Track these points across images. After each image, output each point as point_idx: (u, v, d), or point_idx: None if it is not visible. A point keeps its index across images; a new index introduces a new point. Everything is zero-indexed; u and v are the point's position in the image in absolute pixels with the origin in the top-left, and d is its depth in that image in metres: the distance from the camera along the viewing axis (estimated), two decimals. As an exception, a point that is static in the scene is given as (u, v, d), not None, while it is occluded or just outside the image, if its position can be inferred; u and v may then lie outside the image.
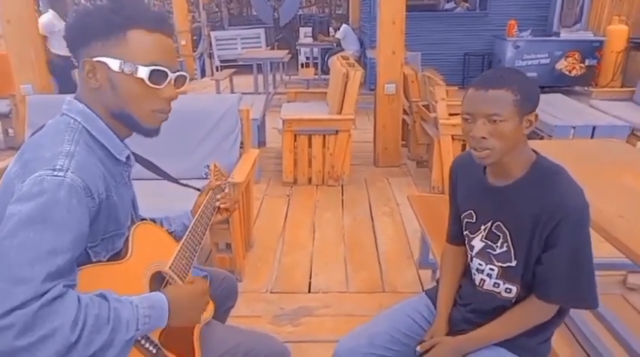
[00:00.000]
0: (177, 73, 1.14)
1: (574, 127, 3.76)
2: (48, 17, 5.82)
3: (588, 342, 2.15)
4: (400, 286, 2.80)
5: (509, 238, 1.33)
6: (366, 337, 1.52)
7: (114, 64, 1.07)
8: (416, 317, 1.54)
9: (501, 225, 1.34)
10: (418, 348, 1.44)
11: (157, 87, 1.11)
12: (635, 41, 7.44)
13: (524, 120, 1.25)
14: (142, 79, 1.08)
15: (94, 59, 1.07)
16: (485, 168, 1.39)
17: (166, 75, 1.11)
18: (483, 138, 1.24)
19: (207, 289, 1.23)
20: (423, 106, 4.58)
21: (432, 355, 1.40)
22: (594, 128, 3.78)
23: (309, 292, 2.77)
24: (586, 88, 7.46)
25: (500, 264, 1.36)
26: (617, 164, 2.25)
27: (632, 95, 4.93)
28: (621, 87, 7.12)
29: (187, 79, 1.19)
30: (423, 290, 1.66)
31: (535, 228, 1.25)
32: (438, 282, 1.62)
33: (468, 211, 1.44)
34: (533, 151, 1.34)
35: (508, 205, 1.32)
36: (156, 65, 1.09)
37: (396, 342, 1.51)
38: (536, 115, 1.27)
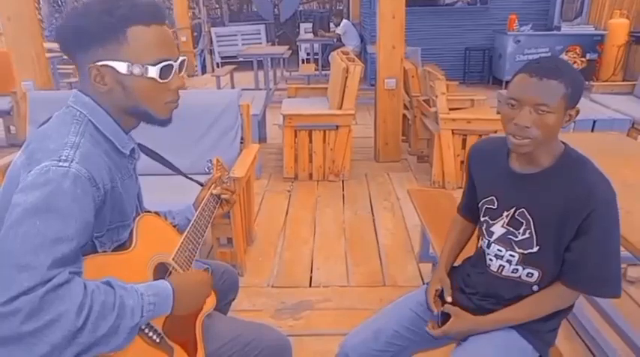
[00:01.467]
0: (179, 60, 1.15)
1: (574, 121, 3.75)
2: None
3: (588, 334, 2.16)
4: (401, 280, 2.82)
5: (532, 224, 1.33)
6: (372, 332, 1.53)
7: (121, 67, 1.07)
8: (419, 310, 1.55)
9: (525, 212, 1.34)
10: (429, 325, 1.44)
11: (167, 81, 1.12)
12: (636, 35, 7.42)
13: (567, 114, 1.25)
14: (153, 78, 1.10)
15: (99, 64, 1.07)
16: (509, 154, 1.39)
17: (172, 67, 1.13)
18: (527, 127, 1.22)
19: (211, 279, 1.25)
20: (423, 100, 4.58)
21: (448, 326, 1.40)
22: (595, 122, 3.79)
23: (310, 286, 2.79)
24: (587, 82, 7.41)
25: (521, 250, 1.36)
26: (617, 157, 2.26)
27: (632, 89, 4.93)
28: (622, 81, 7.11)
29: (186, 62, 1.20)
30: (424, 283, 1.67)
31: (565, 217, 1.26)
32: None
33: (490, 198, 1.44)
34: (562, 142, 1.34)
35: (535, 192, 1.32)
36: (163, 61, 1.10)
37: (400, 337, 1.52)
38: (578, 110, 1.27)
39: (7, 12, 4.25)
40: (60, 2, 13.14)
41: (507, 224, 1.39)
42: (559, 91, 1.20)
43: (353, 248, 3.20)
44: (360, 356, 1.51)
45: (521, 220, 1.35)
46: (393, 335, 1.51)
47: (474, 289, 1.48)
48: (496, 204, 1.42)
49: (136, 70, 1.08)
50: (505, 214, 1.39)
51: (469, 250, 1.61)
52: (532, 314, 1.36)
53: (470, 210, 1.59)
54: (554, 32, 7.74)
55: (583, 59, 7.61)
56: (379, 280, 2.82)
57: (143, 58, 1.08)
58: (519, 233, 1.36)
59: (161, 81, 1.11)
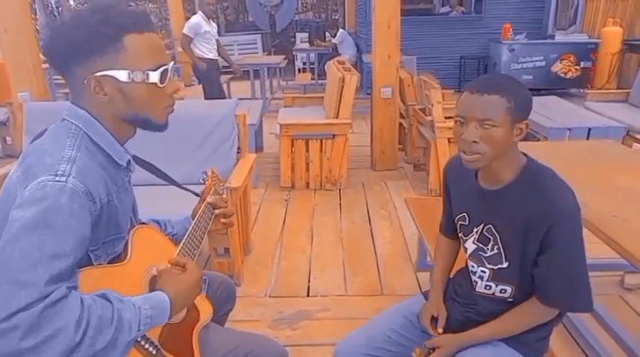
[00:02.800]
0: (171, 64, 1.17)
1: (569, 129, 3.77)
2: (197, 19, 5.81)
3: (586, 342, 2.16)
4: (399, 288, 2.81)
5: (499, 240, 1.34)
6: (364, 338, 1.53)
7: (121, 75, 1.08)
8: (413, 318, 1.55)
9: (492, 228, 1.36)
10: (417, 350, 1.45)
11: (164, 85, 1.14)
12: (629, 43, 7.48)
13: (516, 128, 1.25)
14: (154, 83, 1.12)
15: (99, 74, 1.07)
16: (477, 172, 1.40)
17: (168, 71, 1.15)
18: (474, 142, 1.24)
19: (199, 273, 1.21)
20: (419, 109, 4.60)
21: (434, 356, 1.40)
22: (590, 130, 3.79)
23: (308, 295, 2.78)
24: (581, 91, 7.48)
25: (491, 266, 1.37)
26: (612, 165, 2.27)
27: (627, 97, 4.95)
28: (616, 88, 7.16)
29: (179, 67, 1.21)
30: (422, 292, 1.68)
31: (528, 232, 1.27)
32: None
33: (462, 214, 1.46)
34: (524, 154, 1.35)
35: (499, 208, 1.34)
36: (161, 66, 1.12)
37: (393, 343, 1.52)
38: (527, 124, 1.27)
39: (4, 23, 4.25)
40: (56, 13, 13.19)
41: (477, 240, 1.40)
42: (501, 105, 1.22)
43: (351, 257, 3.19)
44: None
45: (489, 236, 1.36)
46: (385, 341, 1.51)
47: (465, 299, 1.49)
48: (467, 220, 1.44)
49: (137, 77, 1.09)
50: (475, 230, 1.40)
51: (461, 262, 1.61)
52: (513, 328, 1.37)
53: (451, 229, 1.58)
54: (549, 41, 7.79)
55: (577, 67, 7.66)
56: (377, 290, 2.81)
57: (142, 64, 1.09)
58: (488, 249, 1.37)
59: (160, 86, 1.13)
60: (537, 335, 1.40)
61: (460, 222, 1.47)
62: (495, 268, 1.36)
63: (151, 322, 1.02)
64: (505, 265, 1.34)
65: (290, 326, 2.49)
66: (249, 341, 1.41)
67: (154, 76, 1.11)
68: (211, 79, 5.82)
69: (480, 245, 1.39)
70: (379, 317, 1.61)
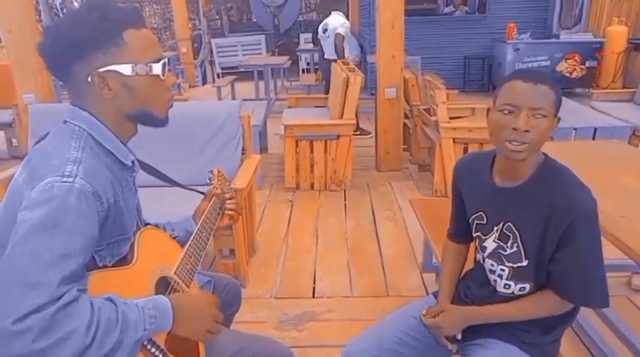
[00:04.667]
0: (166, 59, 1.19)
1: (575, 129, 3.75)
2: (346, 20, 6.10)
3: (594, 343, 2.15)
4: (404, 289, 2.80)
5: (519, 238, 1.33)
6: (375, 339, 1.52)
7: (125, 69, 1.09)
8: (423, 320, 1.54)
9: (512, 226, 1.34)
10: (424, 311, 1.44)
11: (165, 78, 1.16)
12: (635, 42, 7.44)
13: (555, 121, 1.27)
14: (157, 75, 1.14)
15: (102, 70, 1.08)
16: (491, 169, 1.39)
17: (166, 64, 1.17)
18: (526, 131, 1.22)
19: (216, 302, 1.20)
20: (423, 109, 4.59)
21: (440, 320, 1.39)
22: (595, 129, 3.77)
23: (313, 297, 2.77)
24: (587, 90, 7.45)
25: (510, 264, 1.36)
26: (618, 165, 2.26)
27: (633, 96, 4.92)
28: (622, 88, 7.12)
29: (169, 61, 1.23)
30: (427, 293, 1.67)
31: (546, 229, 1.26)
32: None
33: (478, 213, 1.44)
34: (542, 152, 1.34)
35: (517, 206, 1.32)
36: (160, 59, 1.14)
37: (403, 344, 1.50)
38: (559, 119, 1.28)
39: (9, 24, 4.26)
40: (61, 14, 13.22)
41: (498, 239, 1.39)
42: (551, 96, 1.23)
43: (356, 258, 3.18)
44: None
45: (509, 234, 1.35)
46: (396, 342, 1.50)
47: (472, 300, 1.48)
48: (485, 219, 1.42)
49: (141, 70, 1.11)
50: (495, 228, 1.39)
51: (469, 264, 1.60)
52: (525, 313, 1.35)
53: (462, 232, 1.56)
54: (553, 40, 7.76)
55: (582, 67, 7.62)
56: (382, 291, 2.80)
57: (143, 58, 1.11)
58: (507, 247, 1.36)
59: (163, 78, 1.15)
60: (550, 337, 1.39)
61: (477, 221, 1.45)
62: (515, 266, 1.35)
63: (156, 322, 1.02)
64: (525, 263, 1.33)
65: (295, 327, 2.49)
66: (255, 343, 1.41)
67: (157, 68, 1.13)
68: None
69: (500, 243, 1.38)
70: (389, 319, 1.60)
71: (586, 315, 2.23)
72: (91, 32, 1.06)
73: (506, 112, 1.25)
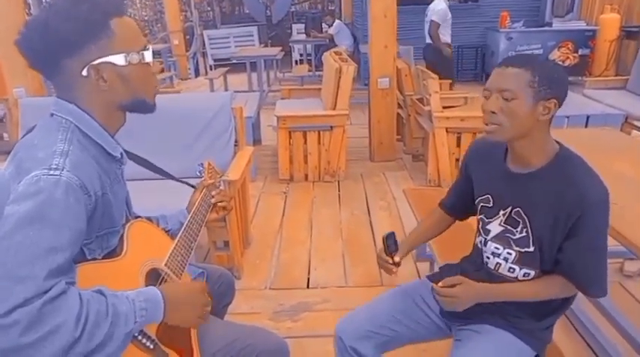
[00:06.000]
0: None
1: (568, 117, 3.76)
2: (443, 4, 5.83)
3: (586, 330, 2.16)
4: (398, 279, 2.79)
5: (528, 224, 1.34)
6: (367, 315, 1.54)
7: (119, 59, 1.09)
8: (417, 300, 1.55)
9: (521, 211, 1.35)
10: (440, 283, 1.38)
11: (151, 64, 1.16)
12: (627, 30, 7.45)
13: (541, 105, 1.24)
14: (148, 63, 1.14)
15: (96, 63, 1.07)
16: (506, 154, 1.39)
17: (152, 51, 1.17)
18: (493, 112, 1.26)
19: (205, 289, 1.22)
20: (417, 99, 4.58)
21: (457, 290, 1.35)
22: (588, 117, 3.79)
23: (308, 287, 2.78)
24: (580, 78, 7.45)
25: (518, 248, 1.37)
26: (611, 152, 2.26)
27: (625, 84, 4.93)
28: (615, 76, 7.13)
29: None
30: (426, 276, 1.67)
31: (557, 218, 1.27)
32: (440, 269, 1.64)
33: (485, 196, 1.44)
34: (557, 141, 1.34)
35: (529, 192, 1.33)
36: (146, 46, 1.14)
37: (396, 322, 1.52)
38: (556, 103, 1.26)
39: (-2, 19, 4.22)
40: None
41: (505, 222, 1.39)
42: (523, 77, 1.23)
43: (350, 248, 3.19)
44: (354, 337, 1.51)
45: (518, 220, 1.36)
46: (389, 320, 1.52)
47: None
48: (491, 202, 1.42)
49: (134, 59, 1.11)
50: (502, 212, 1.39)
51: (466, 250, 1.61)
52: (538, 294, 1.36)
53: (454, 208, 1.61)
54: (546, 28, 7.76)
55: (575, 55, 7.63)
56: (377, 280, 2.81)
57: (133, 46, 1.12)
58: (517, 232, 1.36)
59: (152, 65, 1.16)
60: (544, 324, 1.40)
61: (482, 203, 1.45)
62: (522, 250, 1.36)
63: (146, 314, 1.02)
64: (532, 248, 1.34)
65: (290, 318, 2.49)
66: (248, 334, 1.41)
67: (148, 56, 1.14)
68: (450, 63, 6.04)
69: (509, 227, 1.38)
70: (384, 296, 1.62)
71: (578, 301, 2.24)
72: (81, 25, 1.04)
73: (485, 97, 1.30)
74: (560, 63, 7.64)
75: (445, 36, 5.96)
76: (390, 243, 1.52)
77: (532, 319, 1.39)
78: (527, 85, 1.22)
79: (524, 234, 1.35)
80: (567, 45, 7.60)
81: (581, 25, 7.74)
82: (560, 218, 1.26)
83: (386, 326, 1.51)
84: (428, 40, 6.12)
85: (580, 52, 7.61)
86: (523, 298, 1.37)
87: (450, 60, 6.03)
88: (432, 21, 5.85)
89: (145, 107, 1.19)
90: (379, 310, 1.54)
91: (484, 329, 1.41)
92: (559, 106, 1.28)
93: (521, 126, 1.26)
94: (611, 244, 1.77)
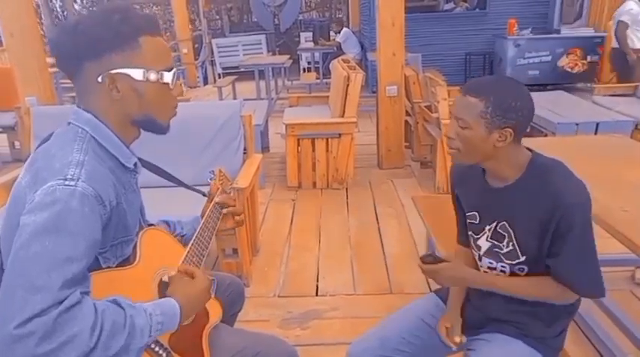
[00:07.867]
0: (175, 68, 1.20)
1: (577, 124, 3.74)
2: (635, 7, 5.51)
3: (597, 338, 2.14)
4: (407, 287, 2.80)
5: (513, 237, 1.34)
6: (378, 339, 1.53)
7: (137, 74, 1.11)
8: (426, 318, 1.55)
9: (506, 225, 1.36)
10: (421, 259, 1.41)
11: (173, 87, 1.18)
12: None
13: (497, 133, 1.25)
14: (167, 84, 1.15)
15: (114, 72, 1.09)
16: (484, 170, 1.40)
17: (176, 74, 1.18)
18: (450, 137, 1.30)
19: (208, 280, 1.22)
20: (425, 106, 4.58)
21: (440, 266, 1.37)
22: (598, 124, 3.76)
23: (317, 295, 2.78)
24: (588, 85, 7.43)
25: (509, 262, 1.37)
26: (621, 159, 2.25)
27: (635, 90, 4.90)
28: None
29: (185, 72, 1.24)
30: (431, 290, 1.67)
31: (541, 225, 1.27)
32: None
33: (472, 213, 1.46)
34: (529, 149, 1.34)
35: (510, 205, 1.34)
36: (171, 68, 1.15)
37: (407, 344, 1.51)
38: (512, 133, 1.25)
39: (11, 28, 4.28)
40: (62, 17, 13.26)
41: (491, 238, 1.40)
42: (476, 108, 1.24)
43: (359, 256, 3.19)
44: None
45: (504, 233, 1.37)
46: (399, 342, 1.51)
47: (480, 300, 1.48)
48: (478, 219, 1.44)
49: (152, 76, 1.12)
50: (487, 228, 1.41)
51: (473, 262, 1.60)
52: (518, 289, 1.35)
53: (466, 236, 1.56)
54: (554, 35, 7.74)
55: (584, 61, 7.60)
56: (386, 288, 2.81)
57: (155, 65, 1.13)
58: (503, 246, 1.37)
59: (171, 87, 1.16)
60: (554, 330, 1.40)
61: (470, 220, 1.47)
62: (514, 262, 1.36)
63: (162, 327, 1.02)
64: (522, 258, 1.34)
65: (299, 326, 2.49)
66: (259, 341, 1.41)
67: (168, 77, 1.14)
68: (631, 72, 5.52)
69: (495, 242, 1.39)
70: (392, 318, 1.60)
71: (589, 309, 2.23)
72: (110, 32, 1.07)
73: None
74: (569, 70, 7.63)
75: (634, 41, 5.53)
76: (430, 260, 1.44)
77: (542, 324, 1.38)
78: (479, 116, 1.24)
79: (510, 248, 1.35)
80: (576, 52, 7.58)
81: (590, 31, 7.71)
82: (542, 225, 1.26)
83: (397, 348, 1.51)
84: (613, 44, 5.77)
85: (589, 58, 7.58)
86: (514, 293, 1.36)
87: (632, 69, 5.51)
88: (619, 21, 5.51)
89: (155, 127, 1.19)
90: (390, 333, 1.54)
91: (495, 338, 1.41)
92: (519, 134, 1.27)
93: (477, 152, 1.29)
94: (622, 251, 1.78)
